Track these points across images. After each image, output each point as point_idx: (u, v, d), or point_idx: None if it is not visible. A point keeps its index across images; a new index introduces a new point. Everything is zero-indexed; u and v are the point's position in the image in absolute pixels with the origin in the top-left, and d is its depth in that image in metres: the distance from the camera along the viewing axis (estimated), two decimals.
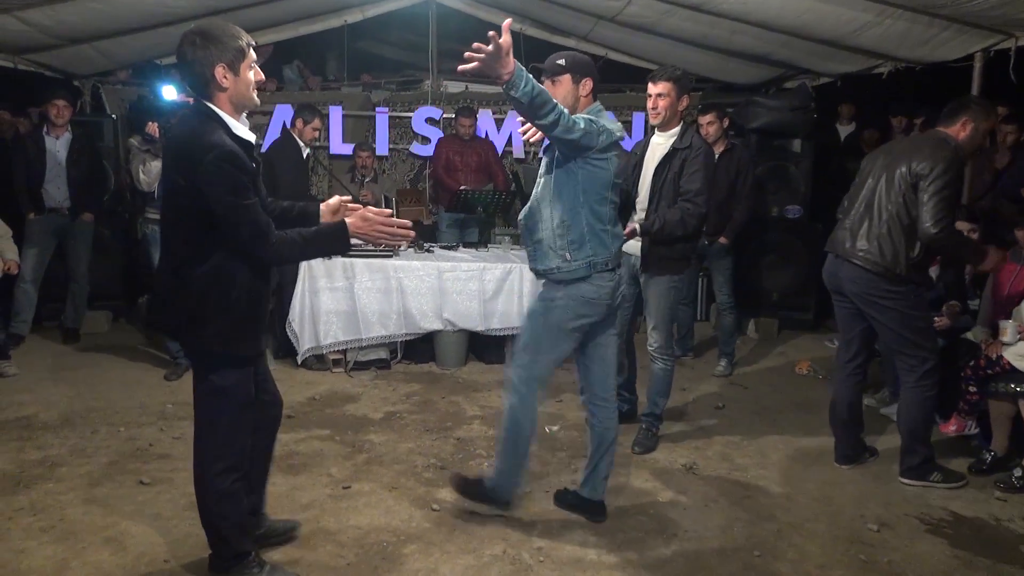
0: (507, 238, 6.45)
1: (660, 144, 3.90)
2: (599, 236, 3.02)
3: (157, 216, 4.86)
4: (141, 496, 3.44)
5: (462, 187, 6.15)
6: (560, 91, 3.02)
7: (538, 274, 3.17)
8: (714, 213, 5.22)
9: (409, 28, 8.06)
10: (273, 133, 7.15)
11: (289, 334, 5.27)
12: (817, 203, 6.43)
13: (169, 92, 4.89)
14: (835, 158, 7.19)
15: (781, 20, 5.41)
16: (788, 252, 6.54)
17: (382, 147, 7.46)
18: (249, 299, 2.52)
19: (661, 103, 3.76)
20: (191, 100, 2.55)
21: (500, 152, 7.31)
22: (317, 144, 6.75)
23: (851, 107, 7.66)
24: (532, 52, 7.82)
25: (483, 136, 7.14)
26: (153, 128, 4.86)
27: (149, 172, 4.91)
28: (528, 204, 3.12)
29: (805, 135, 6.49)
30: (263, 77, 2.52)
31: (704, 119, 5.34)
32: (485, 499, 3.28)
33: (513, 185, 6.72)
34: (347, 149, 7.14)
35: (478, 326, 5.40)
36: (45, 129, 5.67)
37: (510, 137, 7.47)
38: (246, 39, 2.45)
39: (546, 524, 3.28)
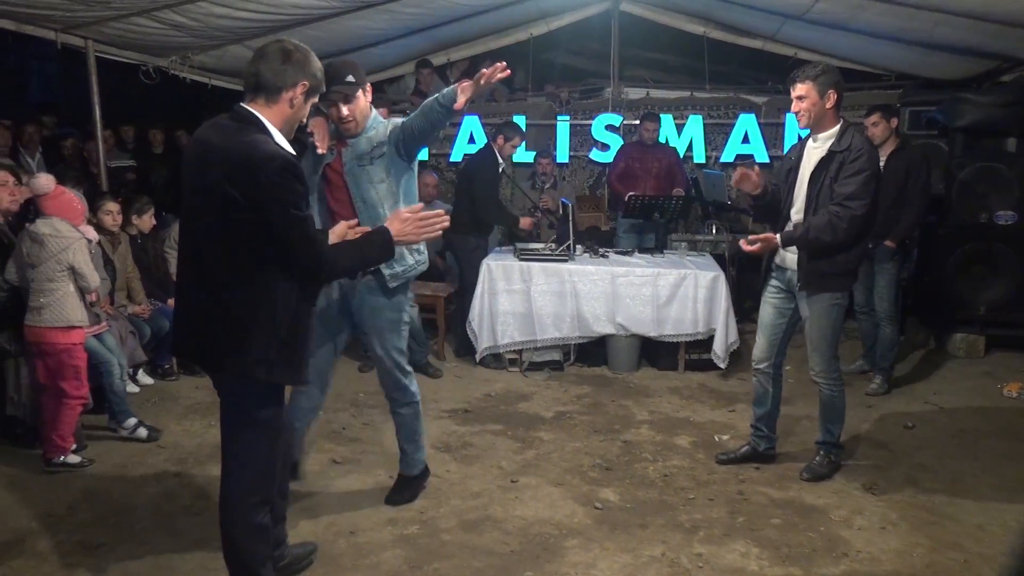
0: (683, 244, 6.40)
1: (816, 148, 3.61)
2: None
3: None
4: (333, 473, 3.81)
5: (630, 193, 6.16)
6: None
7: (396, 277, 3.24)
8: (881, 215, 4.93)
9: (591, 37, 8.22)
10: (461, 143, 7.57)
11: (469, 333, 5.56)
12: None
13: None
14: None
15: (993, 7, 4.96)
16: (998, 262, 5.95)
17: (562, 154, 7.64)
18: (294, 323, 2.33)
19: (803, 106, 3.51)
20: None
21: (682, 157, 7.26)
22: None
23: None
24: (715, 55, 7.73)
25: (664, 141, 7.14)
26: None
27: None
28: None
29: (1020, 133, 5.88)
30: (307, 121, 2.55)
31: (869, 120, 5.05)
32: None
33: (692, 190, 6.66)
34: (530, 157, 7.40)
35: (651, 331, 5.42)
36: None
37: (690, 142, 7.39)
38: (324, 81, 2.41)
39: (709, 531, 3.26)
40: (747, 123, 7.27)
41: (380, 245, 2.47)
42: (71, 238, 3.81)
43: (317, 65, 2.34)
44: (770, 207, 3.72)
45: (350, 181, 3.17)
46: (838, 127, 3.52)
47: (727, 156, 7.40)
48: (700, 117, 7.42)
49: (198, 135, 2.32)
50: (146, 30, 5.03)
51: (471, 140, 7.56)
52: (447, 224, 2.58)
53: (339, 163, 3.19)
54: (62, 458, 3.80)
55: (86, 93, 5.65)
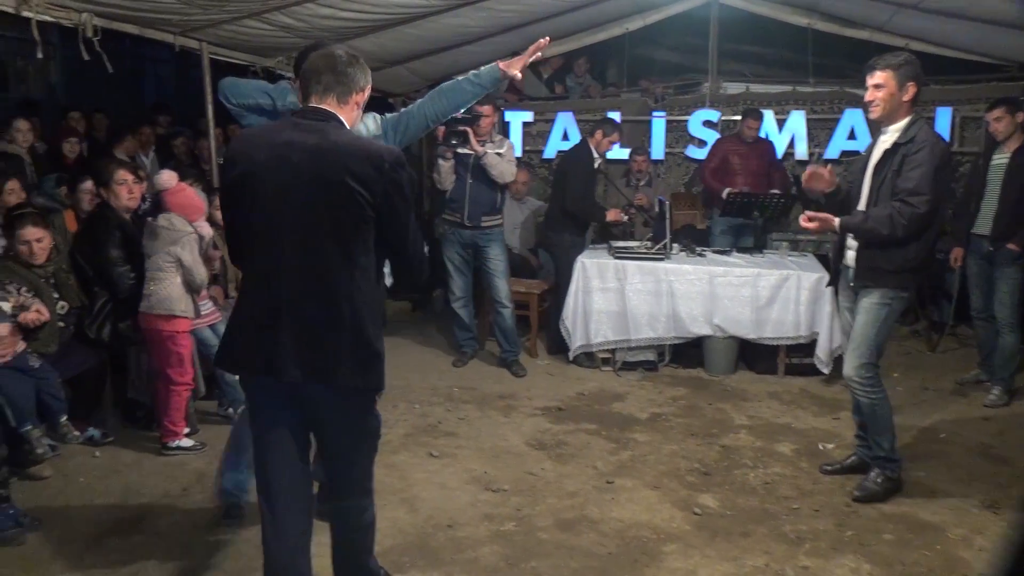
0: (784, 244, 6.20)
1: (884, 141, 3.44)
2: None
3: (452, 217, 5.39)
4: (431, 466, 3.87)
5: (729, 190, 6.00)
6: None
7: None
8: (1006, 215, 4.65)
9: (688, 31, 8.04)
10: (554, 141, 7.54)
11: (562, 331, 5.54)
12: None
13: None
14: None
15: None
16: None
17: (658, 151, 7.52)
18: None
19: (879, 95, 3.33)
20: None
21: (781, 155, 7.04)
22: None
23: None
24: (819, 47, 7.45)
25: (764, 137, 6.94)
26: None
27: (439, 172, 5.39)
28: None
29: None
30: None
31: (991, 115, 4.74)
32: None
33: (793, 188, 6.44)
34: (624, 154, 7.31)
35: (750, 334, 5.27)
36: None
37: (792, 138, 7.15)
38: None
39: (815, 543, 3.15)
40: (853, 118, 6.98)
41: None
42: (182, 232, 3.97)
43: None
44: (844, 205, 3.57)
45: None
46: (907, 120, 3.36)
47: (831, 152, 7.13)
48: (802, 112, 7.17)
49: (272, 138, 2.17)
50: (256, 32, 5.21)
51: (565, 137, 7.53)
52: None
53: None
54: (176, 442, 3.99)
55: (197, 93, 5.89)
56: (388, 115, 3.02)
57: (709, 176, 6.49)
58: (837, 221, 3.39)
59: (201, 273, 4.06)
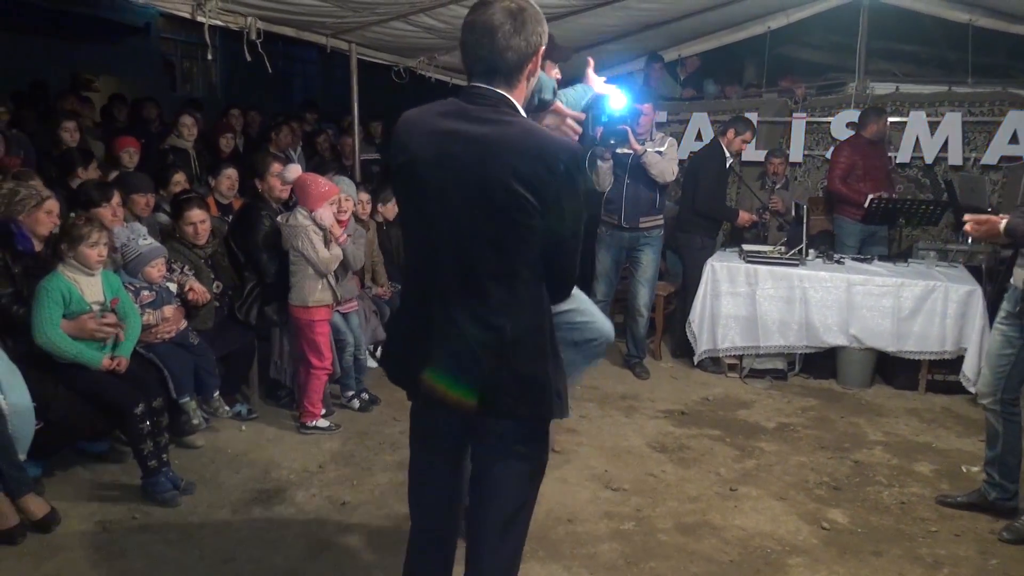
0: (932, 253, 5.84)
1: None
2: None
3: (609, 219, 5.34)
4: (552, 461, 3.87)
5: (873, 195, 5.68)
6: None
7: None
8: None
9: (834, 29, 7.71)
10: (687, 141, 7.42)
11: (688, 335, 5.46)
12: None
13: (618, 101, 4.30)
14: None
15: None
16: None
17: (796, 153, 7.25)
18: (556, 343, 1.96)
19: None
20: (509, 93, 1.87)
21: (933, 158, 6.64)
22: None
23: None
24: (981, 46, 6.95)
25: (914, 140, 6.58)
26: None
27: (596, 174, 5.32)
28: None
29: None
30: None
31: None
32: None
33: (945, 195, 6.06)
34: (760, 156, 7.10)
35: (889, 346, 5.01)
36: None
37: (945, 142, 6.72)
38: None
39: (954, 568, 2.98)
40: (1017, 121, 6.47)
41: None
42: (299, 226, 4.11)
43: (544, 20, 1.88)
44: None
45: None
46: None
47: (990, 158, 6.64)
48: (959, 114, 6.71)
49: (434, 124, 1.85)
50: (401, 33, 5.44)
51: (698, 137, 7.40)
52: None
53: None
54: (314, 423, 4.24)
55: (341, 92, 6.21)
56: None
57: (839, 183, 6.12)
58: (1003, 224, 3.01)
59: (325, 261, 4.14)
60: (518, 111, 1.87)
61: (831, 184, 6.27)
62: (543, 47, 1.87)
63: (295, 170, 4.33)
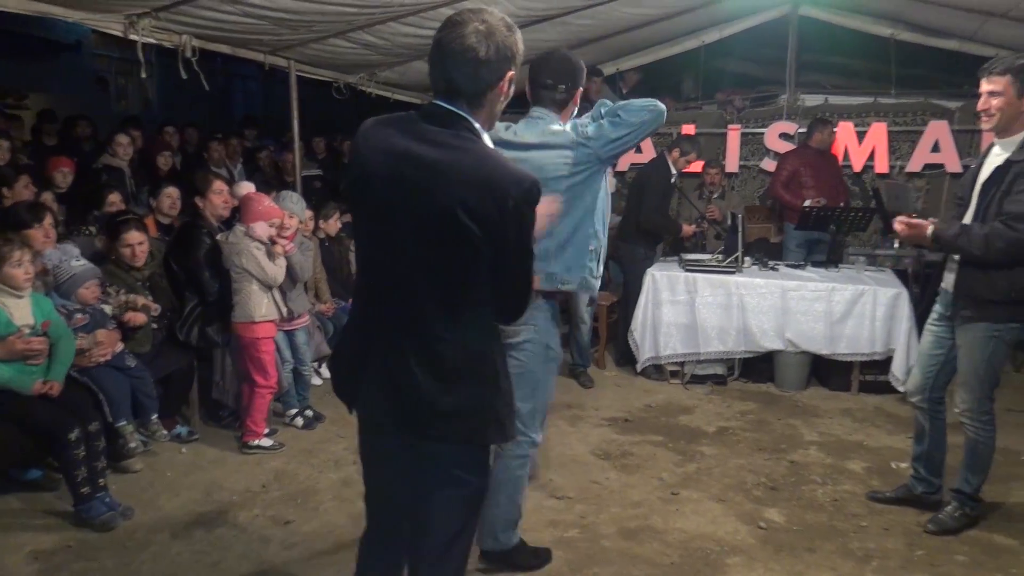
0: (861, 258, 6.06)
1: (997, 156, 3.11)
2: None
3: None
4: None
5: (807, 203, 5.91)
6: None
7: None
8: None
9: (765, 43, 7.97)
10: (628, 154, 7.53)
11: (631, 343, 5.56)
12: None
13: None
14: None
15: None
16: None
17: (732, 164, 7.46)
18: (506, 370, 1.95)
19: (994, 103, 3.00)
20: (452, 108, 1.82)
21: (861, 167, 6.91)
22: None
23: None
24: (902, 58, 7.26)
25: (844, 149, 6.83)
26: None
27: None
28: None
29: None
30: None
31: None
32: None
33: (873, 202, 6.29)
34: (697, 167, 7.27)
35: (823, 349, 5.18)
36: None
37: (873, 151, 6.99)
38: None
39: (883, 561, 3.10)
40: (938, 130, 6.78)
41: None
42: (240, 243, 4.12)
43: (519, 39, 1.82)
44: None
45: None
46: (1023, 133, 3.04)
47: (913, 165, 6.94)
48: (884, 124, 7.00)
49: (390, 143, 1.81)
50: (340, 50, 5.45)
51: (638, 150, 7.53)
52: None
53: None
54: (256, 442, 4.19)
55: (282, 109, 6.18)
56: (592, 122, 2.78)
57: (781, 189, 6.39)
58: (931, 229, 3.13)
59: (270, 275, 4.14)
60: (477, 134, 1.82)
61: (772, 190, 6.54)
62: (512, 71, 1.82)
63: (246, 186, 4.32)
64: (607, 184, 2.87)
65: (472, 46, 1.74)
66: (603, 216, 2.84)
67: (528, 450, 2.92)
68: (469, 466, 1.93)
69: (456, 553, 1.99)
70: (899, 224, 3.21)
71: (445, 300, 1.82)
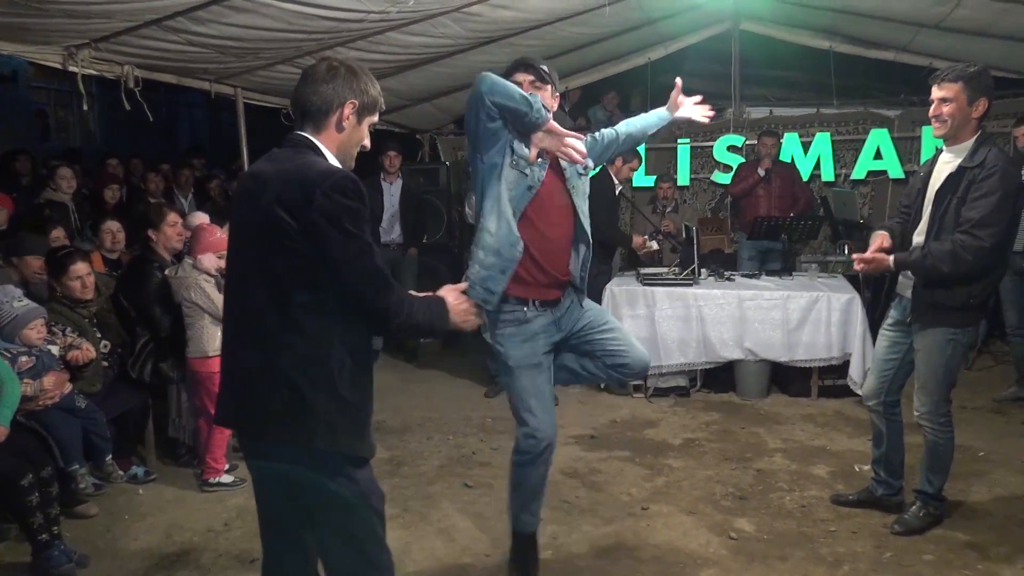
0: (814, 266, 6.19)
1: (948, 163, 3.13)
2: None
3: None
4: (466, 497, 3.91)
5: (757, 216, 6.03)
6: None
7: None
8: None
9: (710, 58, 8.13)
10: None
11: None
12: None
13: None
14: None
15: None
16: None
17: (683, 177, 7.57)
18: (354, 379, 1.98)
19: (945, 110, 3.02)
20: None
21: (807, 177, 7.06)
22: None
23: None
24: (842, 69, 7.48)
25: (788, 160, 6.97)
26: None
27: (470, 206, 5.52)
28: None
29: None
30: (368, 146, 2.12)
31: (1020, 131, 4.69)
32: None
33: (821, 210, 6.44)
34: (650, 181, 7.36)
35: (781, 356, 5.26)
36: (382, 176, 6.56)
37: (818, 160, 7.16)
38: (382, 100, 2.09)
39: (853, 565, 3.13)
40: (879, 138, 6.99)
41: (439, 315, 2.11)
42: (189, 277, 4.03)
43: (369, 82, 2.04)
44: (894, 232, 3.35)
45: (574, 194, 2.97)
46: (974, 139, 3.06)
47: (858, 173, 7.14)
48: (828, 134, 7.19)
49: (251, 169, 2.06)
50: (287, 76, 5.38)
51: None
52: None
53: (554, 175, 2.88)
54: (217, 479, 4.07)
55: (230, 137, 6.09)
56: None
57: (735, 188, 6.59)
58: (891, 260, 3.11)
59: (220, 308, 4.07)
60: (319, 154, 1.99)
61: (729, 189, 6.81)
62: (355, 102, 2.00)
63: (200, 217, 4.22)
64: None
65: (317, 74, 2.00)
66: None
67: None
68: (329, 474, 1.98)
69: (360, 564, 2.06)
70: (858, 264, 3.19)
71: (276, 300, 1.91)
